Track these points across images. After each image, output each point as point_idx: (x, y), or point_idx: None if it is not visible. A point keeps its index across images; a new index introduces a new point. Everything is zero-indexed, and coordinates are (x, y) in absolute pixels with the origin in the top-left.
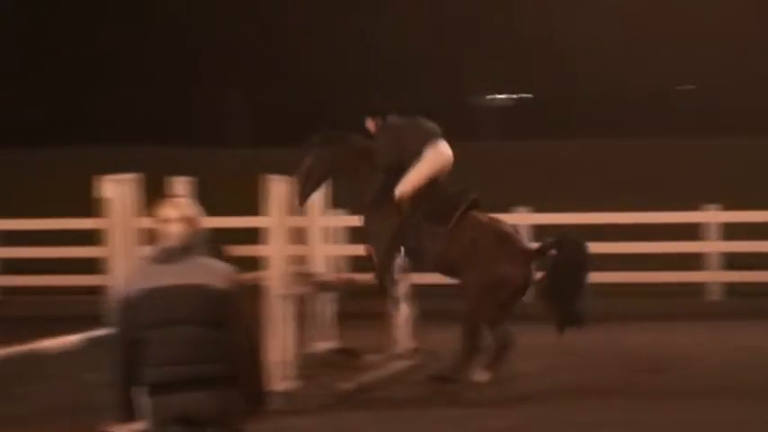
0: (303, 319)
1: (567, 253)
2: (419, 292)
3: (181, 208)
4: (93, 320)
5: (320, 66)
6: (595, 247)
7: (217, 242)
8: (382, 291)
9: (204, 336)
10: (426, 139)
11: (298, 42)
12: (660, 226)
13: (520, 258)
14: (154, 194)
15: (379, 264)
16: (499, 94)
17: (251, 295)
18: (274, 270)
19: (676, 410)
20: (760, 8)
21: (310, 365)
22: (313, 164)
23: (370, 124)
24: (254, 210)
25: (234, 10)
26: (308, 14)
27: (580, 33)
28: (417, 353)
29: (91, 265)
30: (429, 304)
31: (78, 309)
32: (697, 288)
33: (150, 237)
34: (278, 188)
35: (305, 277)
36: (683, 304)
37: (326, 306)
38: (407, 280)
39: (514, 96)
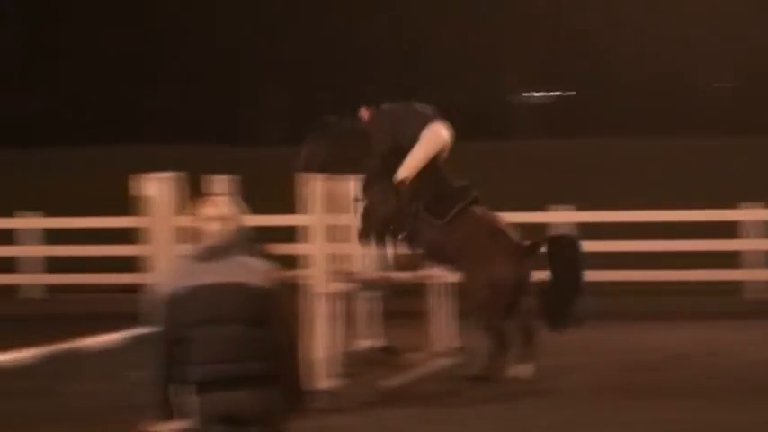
0: (345, 317)
1: (560, 252)
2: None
3: (222, 206)
4: (135, 318)
5: (357, 63)
6: (634, 246)
7: (258, 240)
8: (361, 241)
9: (247, 334)
10: (422, 122)
11: (336, 40)
12: (698, 224)
13: (512, 254)
14: (195, 193)
15: (368, 227)
16: (537, 91)
17: (291, 293)
18: (316, 268)
19: (710, 410)
20: None
21: (353, 363)
22: (310, 154)
23: (364, 113)
24: (295, 208)
25: (272, 9)
26: (345, 12)
27: (618, 30)
28: (459, 351)
29: (133, 264)
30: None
31: (120, 307)
32: (736, 287)
33: (191, 235)
34: (318, 186)
35: (346, 275)
36: (722, 302)
37: (369, 304)
38: (448, 278)
39: (552, 94)
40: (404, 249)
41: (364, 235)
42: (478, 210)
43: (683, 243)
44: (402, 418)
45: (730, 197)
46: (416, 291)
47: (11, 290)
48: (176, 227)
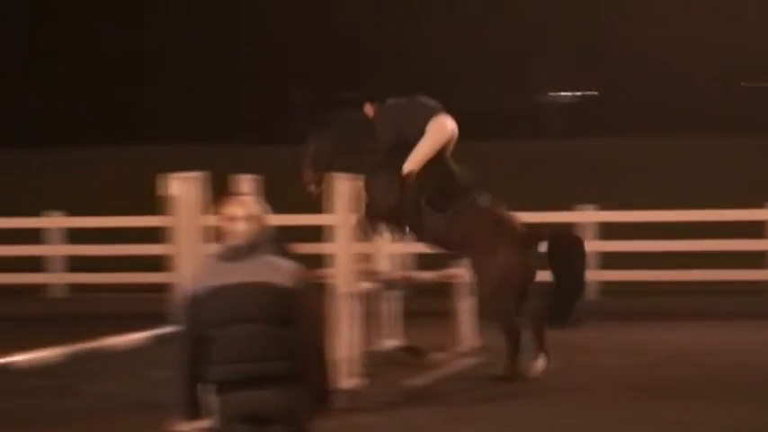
0: (369, 316)
1: (560, 252)
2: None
3: (247, 206)
4: (160, 318)
5: (383, 62)
6: (659, 245)
7: (282, 240)
8: (363, 233)
9: (271, 333)
10: (427, 115)
11: (360, 40)
12: (725, 224)
13: (517, 242)
14: (220, 192)
15: (371, 219)
16: (564, 91)
17: (316, 293)
18: (340, 268)
19: (738, 411)
20: None
21: (376, 363)
22: (317, 149)
23: (369, 109)
24: (319, 207)
25: (296, 8)
26: (372, 12)
27: (644, 30)
28: (482, 350)
29: (157, 263)
30: None
31: (144, 306)
32: (763, 287)
33: (216, 234)
34: (343, 186)
35: (370, 275)
36: (749, 302)
37: (392, 304)
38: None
39: (578, 94)
40: (410, 242)
41: (366, 227)
42: (482, 200)
43: (711, 243)
44: (425, 417)
45: (759, 197)
46: (440, 290)
47: (36, 289)
48: (201, 226)
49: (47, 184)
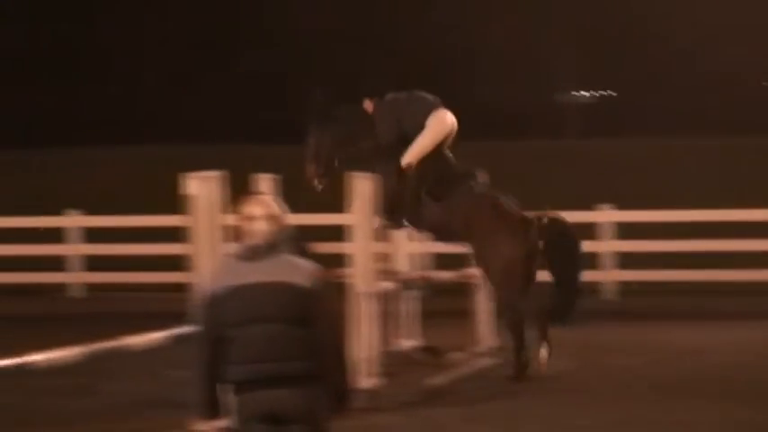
0: (387, 316)
1: (556, 249)
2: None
3: (265, 205)
4: (178, 317)
5: (402, 58)
6: (677, 245)
7: (301, 239)
8: None
9: (289, 333)
10: (427, 110)
11: (384, 39)
12: (747, 224)
13: (518, 226)
14: (238, 192)
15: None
16: (583, 91)
17: (335, 293)
18: (358, 267)
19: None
20: None
21: (394, 363)
22: (317, 143)
23: (368, 105)
24: (338, 207)
25: (324, 9)
26: (393, 12)
27: (662, 29)
28: (500, 351)
29: (176, 263)
30: None
31: (163, 306)
32: None
33: (235, 234)
34: (362, 185)
35: (389, 275)
36: None
37: (410, 303)
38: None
39: (597, 94)
40: (429, 242)
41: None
42: (479, 187)
43: (732, 243)
44: (444, 416)
45: None
46: (458, 290)
47: (55, 288)
48: (220, 226)
49: (63, 183)
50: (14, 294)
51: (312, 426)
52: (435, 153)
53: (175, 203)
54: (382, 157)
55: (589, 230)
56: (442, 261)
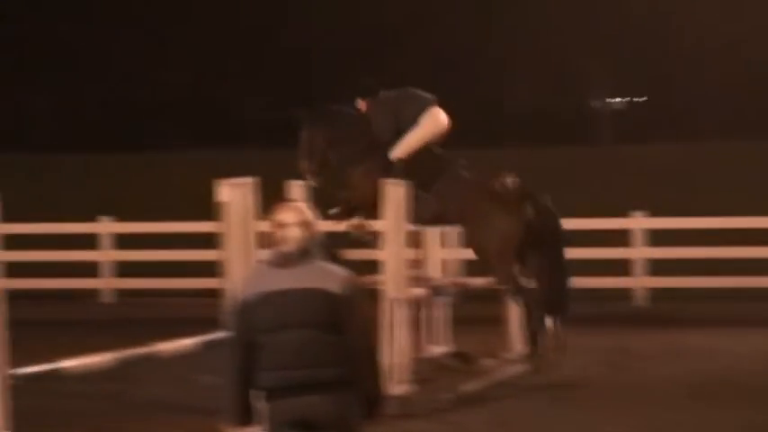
0: (418, 322)
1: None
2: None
3: (298, 212)
4: (210, 323)
5: (435, 65)
6: (710, 252)
7: (333, 246)
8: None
9: (321, 339)
10: (421, 106)
11: (413, 41)
12: None
13: (509, 203)
14: (271, 198)
15: (350, 207)
16: (615, 97)
17: (367, 299)
18: (390, 274)
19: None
20: None
21: (426, 369)
22: (309, 140)
23: (362, 104)
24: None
25: (358, 12)
26: (423, 13)
27: (694, 35)
28: (532, 358)
29: (208, 268)
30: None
31: (195, 312)
32: None
33: (267, 240)
34: (394, 192)
35: (420, 281)
36: None
37: (442, 310)
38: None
39: (630, 100)
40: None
41: (344, 215)
42: (465, 173)
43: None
44: (475, 423)
45: None
46: (490, 296)
47: (87, 294)
48: (252, 232)
49: (95, 188)
50: (47, 300)
51: None
52: (424, 150)
53: (208, 210)
54: (377, 154)
55: (622, 237)
56: (474, 267)
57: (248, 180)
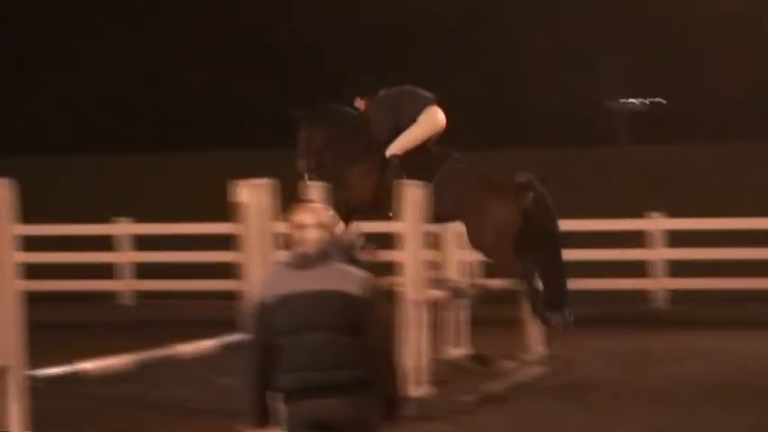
0: (437, 324)
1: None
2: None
3: (316, 213)
4: (228, 325)
5: (452, 65)
6: (728, 253)
7: (352, 247)
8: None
9: (339, 341)
10: (419, 104)
11: (435, 45)
12: None
13: (507, 193)
14: (289, 200)
15: (347, 206)
16: (633, 98)
17: (385, 301)
18: (409, 276)
19: None
20: None
21: (444, 371)
22: (307, 139)
23: (360, 104)
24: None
25: (380, 15)
26: (440, 14)
27: (713, 37)
28: (550, 359)
29: (226, 270)
30: None
31: (213, 313)
32: None
33: (285, 242)
34: (413, 193)
35: (439, 283)
36: None
37: (460, 312)
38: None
39: (647, 101)
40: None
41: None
42: (461, 165)
43: None
44: (494, 425)
45: None
46: (509, 298)
47: (106, 296)
48: (270, 234)
49: (113, 190)
50: (65, 302)
51: None
52: (420, 148)
53: (226, 211)
54: (375, 153)
55: (639, 238)
56: (492, 269)
57: (266, 181)
